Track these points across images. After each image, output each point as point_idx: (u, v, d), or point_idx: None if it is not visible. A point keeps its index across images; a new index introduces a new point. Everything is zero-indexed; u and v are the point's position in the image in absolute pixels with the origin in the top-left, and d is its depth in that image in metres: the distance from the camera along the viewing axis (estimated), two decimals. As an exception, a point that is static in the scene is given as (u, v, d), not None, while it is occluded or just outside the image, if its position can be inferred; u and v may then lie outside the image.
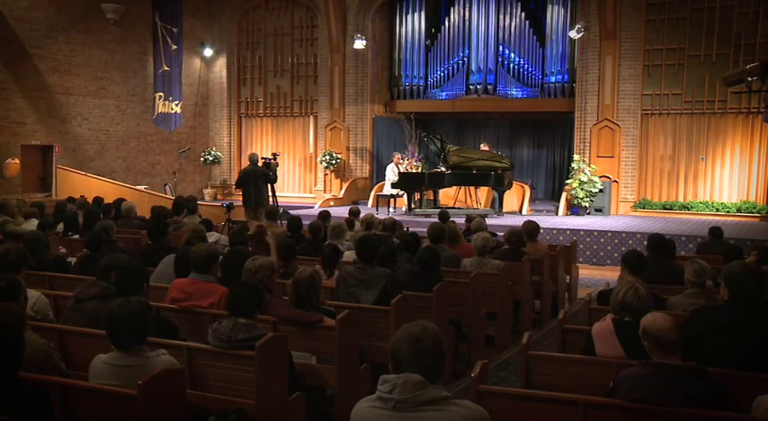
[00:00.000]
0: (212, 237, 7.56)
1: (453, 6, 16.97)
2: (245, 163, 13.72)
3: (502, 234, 8.40)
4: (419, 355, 2.36)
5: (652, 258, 5.78)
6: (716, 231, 8.21)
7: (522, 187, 15.09)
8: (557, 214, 14.36)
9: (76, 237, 8.02)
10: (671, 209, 14.37)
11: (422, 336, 2.39)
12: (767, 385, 3.17)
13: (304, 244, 7.20)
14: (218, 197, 18.39)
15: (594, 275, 10.62)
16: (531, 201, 15.22)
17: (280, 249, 6.07)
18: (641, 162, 14.80)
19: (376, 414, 2.40)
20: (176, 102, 16.50)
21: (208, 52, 18.66)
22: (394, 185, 14.19)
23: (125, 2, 15.86)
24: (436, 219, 9.08)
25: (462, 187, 15.08)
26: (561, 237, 11.77)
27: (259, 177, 11.59)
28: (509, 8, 16.49)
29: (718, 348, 3.54)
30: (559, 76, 15.95)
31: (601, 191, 14.23)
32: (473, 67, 16.65)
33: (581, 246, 11.42)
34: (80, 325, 4.14)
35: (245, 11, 18.55)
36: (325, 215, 8.40)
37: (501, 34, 16.53)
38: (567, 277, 8.77)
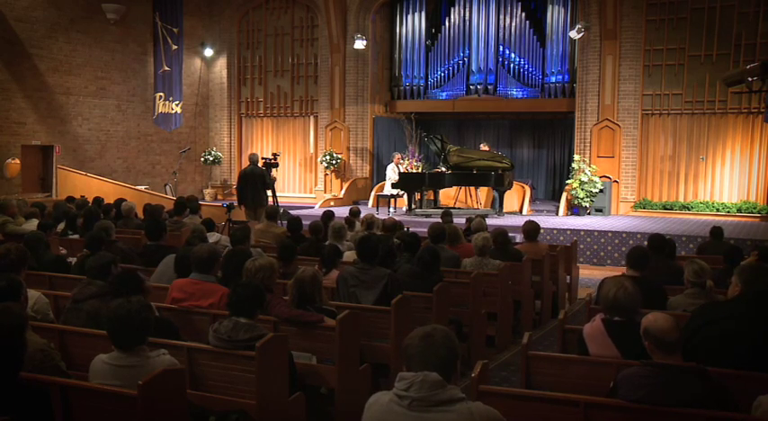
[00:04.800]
0: (213, 237, 7.56)
1: (453, 6, 16.97)
2: (246, 163, 13.72)
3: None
4: (430, 349, 2.39)
5: (652, 258, 5.77)
6: (716, 231, 8.21)
7: (523, 187, 15.09)
8: (557, 214, 14.37)
9: (76, 237, 8.02)
10: (671, 209, 14.38)
11: (433, 332, 2.44)
12: (767, 385, 3.17)
13: (305, 244, 7.20)
14: (219, 197, 18.40)
15: (595, 275, 10.61)
16: (532, 201, 15.22)
17: (279, 250, 6.07)
18: (641, 162, 14.80)
19: (391, 409, 2.40)
20: (177, 102, 16.50)
21: (208, 52, 18.67)
22: (394, 185, 14.19)
23: (125, 2, 15.87)
24: (436, 219, 9.08)
25: (462, 187, 15.09)
26: (561, 238, 11.77)
27: (257, 178, 11.58)
28: (509, 8, 16.50)
29: (726, 337, 3.54)
30: (560, 77, 15.96)
31: (601, 191, 14.23)
32: (473, 68, 16.65)
33: (581, 247, 11.42)
34: (79, 325, 4.14)
35: (245, 11, 18.56)
36: (329, 215, 8.40)
37: (501, 34, 16.53)
38: (568, 277, 8.76)
